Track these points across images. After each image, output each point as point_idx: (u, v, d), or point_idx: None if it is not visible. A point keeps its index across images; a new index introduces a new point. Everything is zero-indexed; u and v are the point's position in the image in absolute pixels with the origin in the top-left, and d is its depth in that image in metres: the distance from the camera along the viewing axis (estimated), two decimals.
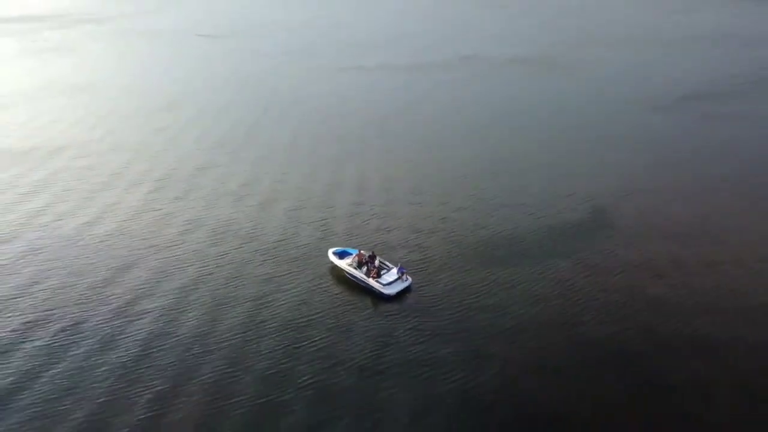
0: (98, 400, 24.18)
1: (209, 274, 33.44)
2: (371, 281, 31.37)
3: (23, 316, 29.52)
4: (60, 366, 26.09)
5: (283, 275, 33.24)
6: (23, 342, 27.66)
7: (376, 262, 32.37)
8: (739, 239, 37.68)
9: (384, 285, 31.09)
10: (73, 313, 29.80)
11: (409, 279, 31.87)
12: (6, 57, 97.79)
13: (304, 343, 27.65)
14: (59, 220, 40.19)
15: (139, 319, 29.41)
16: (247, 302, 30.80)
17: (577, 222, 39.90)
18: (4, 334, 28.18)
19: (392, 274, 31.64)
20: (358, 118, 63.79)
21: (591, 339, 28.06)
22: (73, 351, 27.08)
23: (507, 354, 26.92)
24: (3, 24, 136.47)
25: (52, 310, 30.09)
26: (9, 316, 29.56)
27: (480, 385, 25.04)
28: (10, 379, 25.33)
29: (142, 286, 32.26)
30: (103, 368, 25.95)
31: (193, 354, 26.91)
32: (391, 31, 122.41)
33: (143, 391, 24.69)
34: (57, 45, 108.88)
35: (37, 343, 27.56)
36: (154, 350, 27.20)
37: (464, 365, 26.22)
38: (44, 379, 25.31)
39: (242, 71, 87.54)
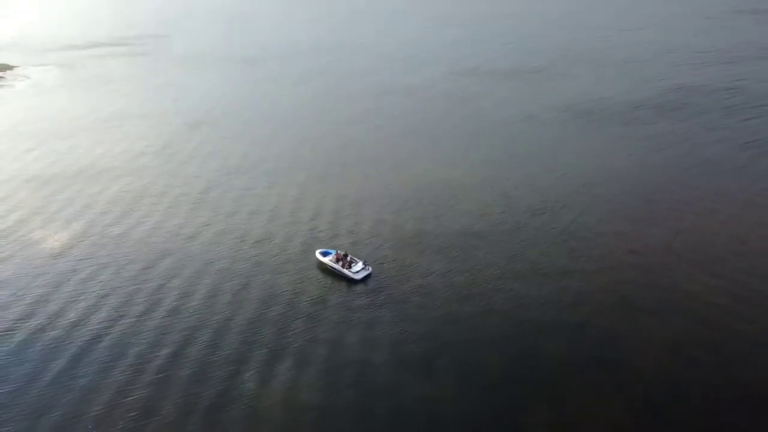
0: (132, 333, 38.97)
1: (229, 267, 48.12)
2: (345, 271, 46.05)
3: (98, 287, 44.45)
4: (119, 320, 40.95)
5: (286, 268, 47.91)
6: (101, 302, 42.54)
7: (348, 258, 47.03)
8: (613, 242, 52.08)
9: (354, 273, 45.80)
10: (129, 287, 44.61)
11: (370, 268, 46.58)
12: (53, 88, 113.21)
13: (304, 309, 42.32)
14: (113, 225, 55.17)
15: (170, 293, 44.23)
16: (261, 285, 45.47)
17: (501, 229, 54.33)
18: (89, 301, 43.03)
19: (359, 266, 46.32)
20: (342, 145, 78.53)
21: (487, 296, 42.59)
22: (131, 308, 41.86)
23: (429, 307, 41.54)
24: (41, 54, 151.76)
25: (115, 286, 44.99)
26: (90, 288, 44.46)
27: (409, 323, 39.67)
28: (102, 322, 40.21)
29: (172, 272, 47.07)
30: (154, 315, 40.76)
31: (219, 319, 41.62)
32: (385, 57, 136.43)
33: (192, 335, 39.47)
34: (95, 74, 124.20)
35: (109, 303, 42.41)
36: (194, 314, 41.94)
37: (402, 314, 40.93)
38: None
39: (264, 96, 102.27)
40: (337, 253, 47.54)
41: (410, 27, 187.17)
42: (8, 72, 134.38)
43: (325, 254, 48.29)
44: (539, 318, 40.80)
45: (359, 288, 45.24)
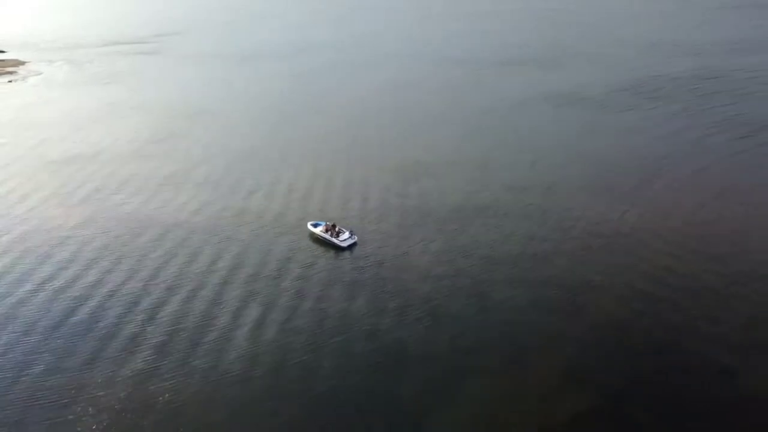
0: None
1: (230, 237, 52.67)
2: (333, 239, 50.59)
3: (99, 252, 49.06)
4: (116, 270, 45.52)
5: (281, 238, 52.49)
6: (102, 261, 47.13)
7: (337, 229, 51.56)
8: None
9: (341, 241, 50.35)
10: (133, 254, 49.19)
11: (356, 237, 51.13)
12: (63, 82, 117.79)
13: (296, 272, 46.85)
14: (123, 203, 59.81)
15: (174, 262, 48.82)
16: (259, 252, 50.00)
17: (478, 205, 58.82)
18: (102, 266, 47.63)
19: (346, 235, 50.87)
20: (331, 135, 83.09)
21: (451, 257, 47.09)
22: (141, 271, 46.40)
23: (406, 272, 46.02)
24: (51, 51, 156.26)
25: (120, 252, 49.60)
26: (97, 253, 49.06)
27: (387, 284, 44.18)
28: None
29: (177, 242, 51.64)
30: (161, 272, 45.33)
31: (223, 280, 46.18)
32: (384, 53, 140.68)
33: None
34: (103, 70, 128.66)
35: (104, 264, 46.97)
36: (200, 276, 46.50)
37: (381, 276, 45.42)
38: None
39: (267, 90, 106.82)
40: (326, 224, 52.12)
41: (412, 25, 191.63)
42: (20, 67, 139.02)
43: (315, 225, 52.85)
44: (503, 282, 45.19)
45: (345, 254, 49.79)
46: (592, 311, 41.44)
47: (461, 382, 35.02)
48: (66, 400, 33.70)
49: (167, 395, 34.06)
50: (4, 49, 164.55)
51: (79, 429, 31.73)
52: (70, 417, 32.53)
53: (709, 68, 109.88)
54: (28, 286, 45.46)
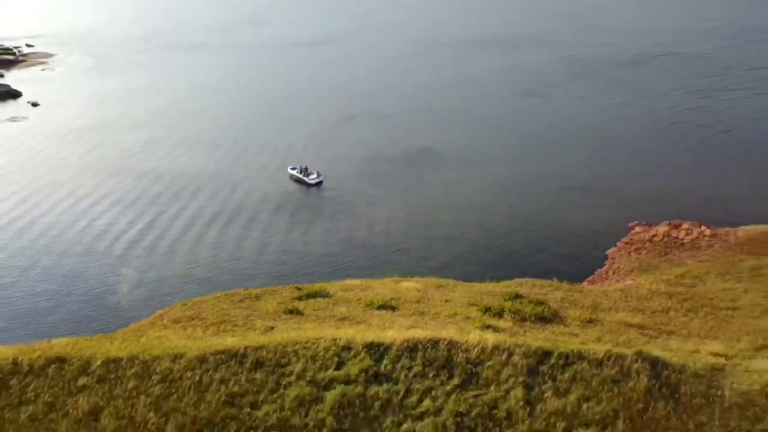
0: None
1: (229, 177, 66.51)
2: (305, 179, 64.42)
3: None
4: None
5: (268, 179, 66.35)
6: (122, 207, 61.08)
7: (308, 170, 65.36)
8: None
9: (310, 179, 64.22)
10: (151, 190, 63.13)
11: (323, 177, 64.94)
12: (88, 71, 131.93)
13: (275, 199, 60.70)
14: (147, 160, 73.80)
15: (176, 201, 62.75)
16: (249, 187, 63.90)
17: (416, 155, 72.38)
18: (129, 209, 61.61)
19: (315, 175, 64.70)
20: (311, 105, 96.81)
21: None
22: (158, 199, 60.35)
23: (357, 201, 59.75)
24: (77, 46, 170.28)
25: (157, 193, 63.56)
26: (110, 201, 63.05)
27: (341, 209, 57.90)
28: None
29: (190, 182, 65.57)
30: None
31: (226, 208, 60.07)
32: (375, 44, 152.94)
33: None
34: (125, 62, 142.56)
35: (117, 208, 60.92)
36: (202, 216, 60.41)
37: (338, 204, 59.26)
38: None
39: (267, 75, 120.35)
40: (300, 167, 66.04)
41: (407, 16, 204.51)
42: (50, 59, 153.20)
43: (293, 168, 66.77)
44: (428, 207, 59.05)
45: (313, 190, 63.73)
46: (473, 226, 54.96)
47: (390, 257, 48.89)
48: (103, 268, 48.05)
49: (178, 267, 48.26)
50: (32, 44, 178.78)
51: (108, 280, 46.09)
52: (105, 285, 46.89)
53: (649, 53, 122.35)
54: (78, 209, 59.81)
